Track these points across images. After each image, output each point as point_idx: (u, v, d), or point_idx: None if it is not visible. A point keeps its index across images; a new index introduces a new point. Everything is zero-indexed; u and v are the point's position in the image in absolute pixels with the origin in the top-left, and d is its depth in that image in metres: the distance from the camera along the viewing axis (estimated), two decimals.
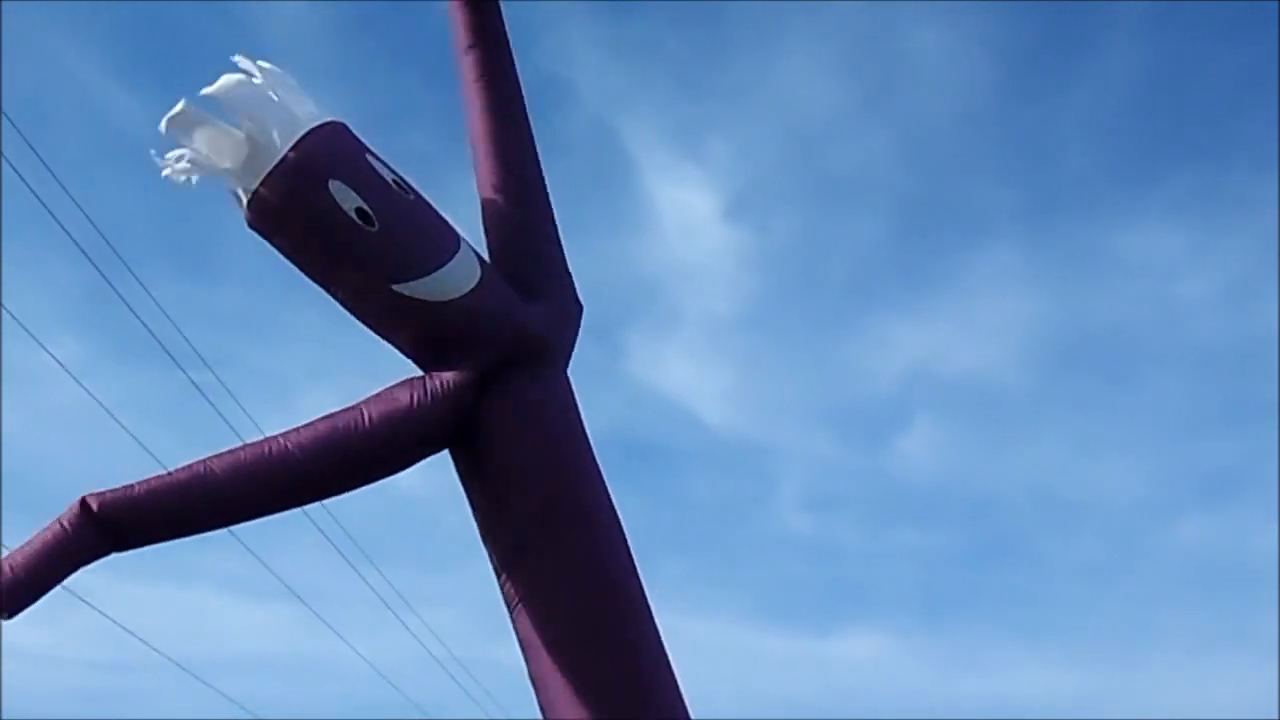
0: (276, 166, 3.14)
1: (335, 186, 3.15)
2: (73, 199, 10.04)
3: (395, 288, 3.18)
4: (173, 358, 13.28)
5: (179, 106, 3.17)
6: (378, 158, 3.33)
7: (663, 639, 3.31)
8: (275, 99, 3.22)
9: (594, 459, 3.38)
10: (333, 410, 3.21)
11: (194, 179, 3.23)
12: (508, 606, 3.30)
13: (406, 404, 3.19)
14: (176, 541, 3.11)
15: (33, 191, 9.78)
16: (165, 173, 3.23)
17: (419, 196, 3.34)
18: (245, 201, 3.23)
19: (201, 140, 3.18)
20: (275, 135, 3.15)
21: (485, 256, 3.43)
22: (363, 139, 3.36)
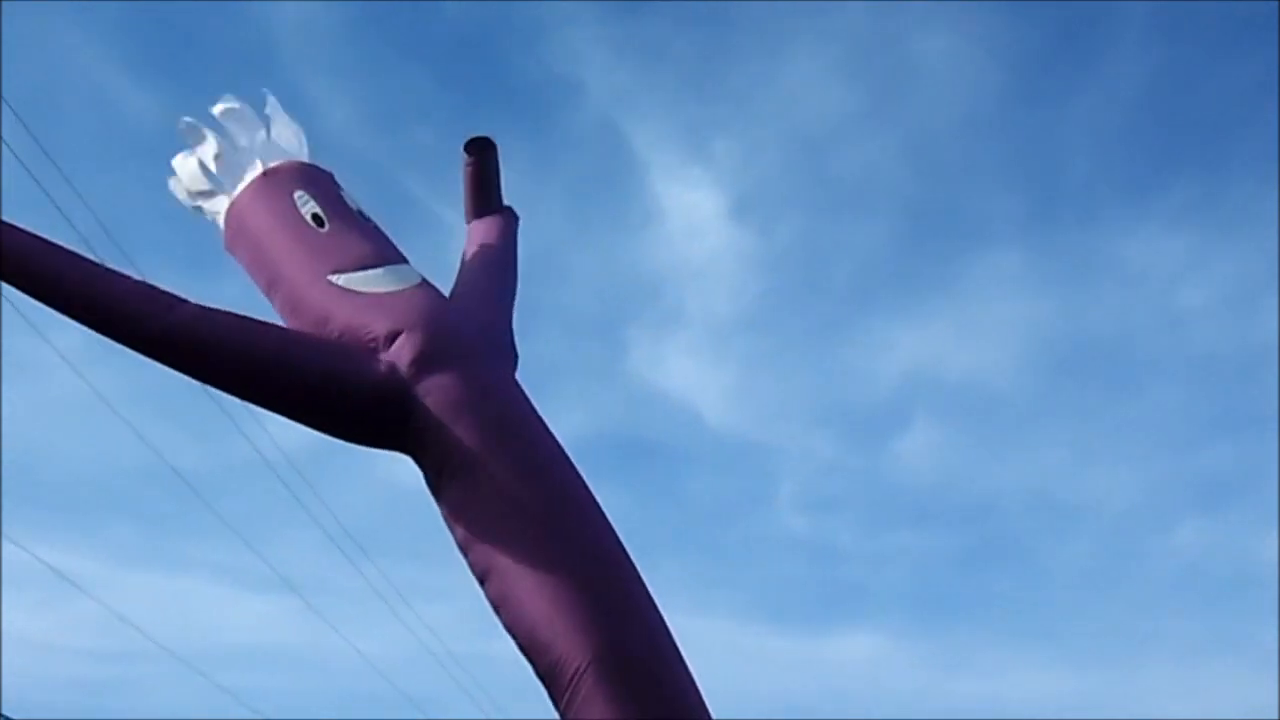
0: (256, 178, 3.83)
1: (299, 196, 3.78)
2: (75, 189, 10.06)
3: (331, 278, 3.55)
4: None
5: (183, 125, 3.86)
6: (350, 197, 3.93)
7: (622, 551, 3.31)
8: (266, 136, 3.95)
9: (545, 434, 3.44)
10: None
11: (185, 203, 4.01)
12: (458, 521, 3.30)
13: (353, 358, 3.35)
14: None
15: (36, 181, 9.79)
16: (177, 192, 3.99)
17: (377, 227, 3.88)
18: (224, 218, 3.88)
19: (199, 163, 3.88)
20: (260, 159, 3.85)
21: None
22: (342, 185, 3.98)
